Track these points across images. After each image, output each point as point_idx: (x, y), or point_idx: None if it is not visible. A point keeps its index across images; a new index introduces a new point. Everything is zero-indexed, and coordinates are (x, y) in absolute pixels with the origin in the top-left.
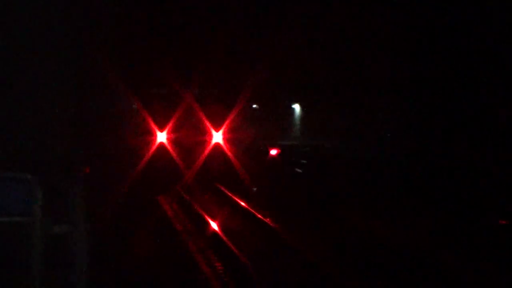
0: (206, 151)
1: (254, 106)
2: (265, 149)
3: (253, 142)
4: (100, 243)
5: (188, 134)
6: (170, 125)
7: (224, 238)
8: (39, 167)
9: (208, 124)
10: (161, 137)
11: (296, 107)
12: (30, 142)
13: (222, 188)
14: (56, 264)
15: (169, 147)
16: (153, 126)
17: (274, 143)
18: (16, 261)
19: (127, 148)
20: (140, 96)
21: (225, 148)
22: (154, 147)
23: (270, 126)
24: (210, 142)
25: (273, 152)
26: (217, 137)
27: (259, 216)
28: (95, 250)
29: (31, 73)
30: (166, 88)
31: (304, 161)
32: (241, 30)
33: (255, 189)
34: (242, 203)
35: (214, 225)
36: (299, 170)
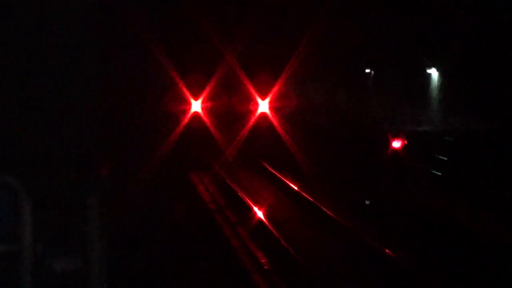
0: (251, 123)
1: (368, 71)
2: (385, 138)
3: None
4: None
5: (228, 102)
6: (206, 91)
7: None
8: (35, 168)
9: (253, 90)
10: (196, 106)
11: (433, 72)
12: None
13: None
14: None
15: (205, 118)
16: (186, 92)
17: (398, 129)
18: None
19: (155, 122)
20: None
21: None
22: (186, 119)
23: (393, 101)
24: (255, 112)
25: (396, 144)
26: (263, 106)
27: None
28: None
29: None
30: (201, 44)
31: (446, 158)
32: None
33: (367, 202)
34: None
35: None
36: (437, 173)
